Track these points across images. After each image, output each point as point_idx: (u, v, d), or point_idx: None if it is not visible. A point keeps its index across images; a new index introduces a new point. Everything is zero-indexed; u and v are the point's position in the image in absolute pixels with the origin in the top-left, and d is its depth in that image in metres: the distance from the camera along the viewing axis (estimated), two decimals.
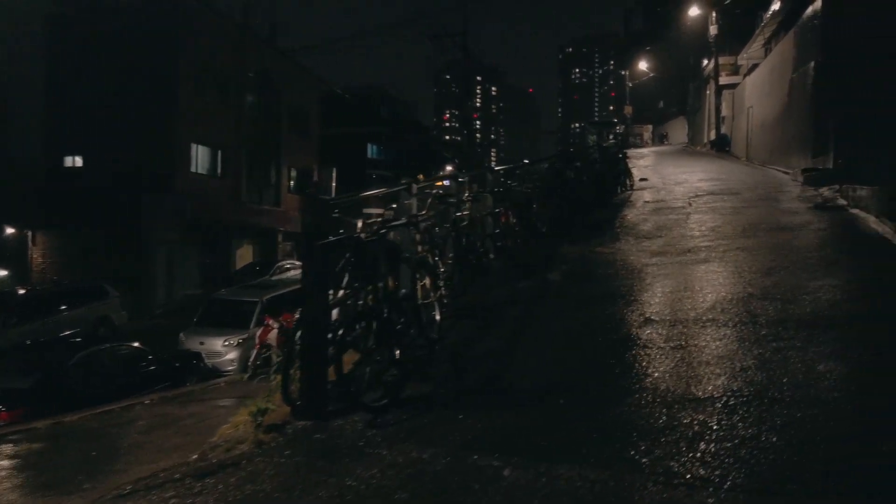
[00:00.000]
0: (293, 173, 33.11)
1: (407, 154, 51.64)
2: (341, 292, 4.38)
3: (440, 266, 6.46)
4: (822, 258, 6.98)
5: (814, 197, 12.44)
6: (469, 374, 4.46)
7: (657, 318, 5.21)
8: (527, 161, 12.22)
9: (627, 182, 16.48)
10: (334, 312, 4.38)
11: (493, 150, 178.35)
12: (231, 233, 27.65)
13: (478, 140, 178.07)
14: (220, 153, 27.49)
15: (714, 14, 26.16)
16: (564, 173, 13.11)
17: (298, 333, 3.88)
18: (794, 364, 3.81)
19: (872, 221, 9.10)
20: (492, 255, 9.07)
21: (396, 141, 50.86)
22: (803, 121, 16.19)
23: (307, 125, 34.49)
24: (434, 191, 6.35)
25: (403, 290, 5.21)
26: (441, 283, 6.30)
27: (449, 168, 44.59)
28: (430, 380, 4.40)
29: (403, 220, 4.60)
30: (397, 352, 4.23)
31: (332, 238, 3.98)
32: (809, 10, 16.24)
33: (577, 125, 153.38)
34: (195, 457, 3.73)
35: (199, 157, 26.54)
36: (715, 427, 3.11)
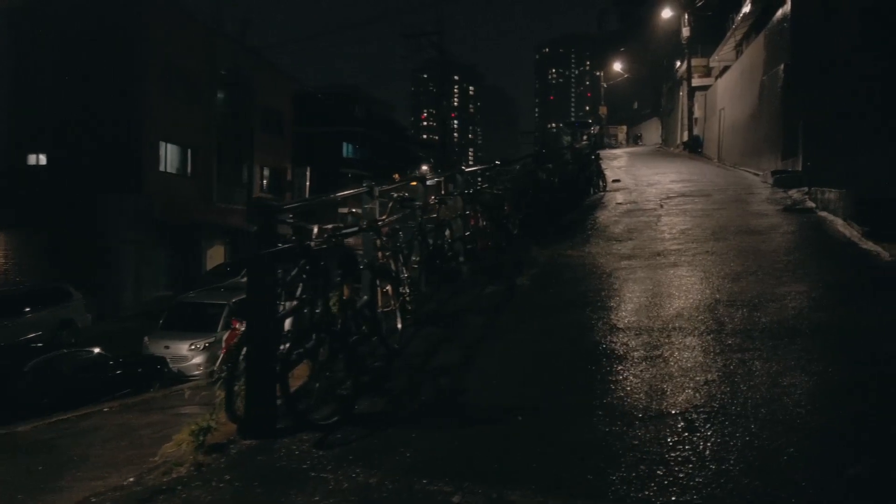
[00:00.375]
0: (266, 172, 32.65)
1: (382, 153, 51.34)
2: (295, 302, 4.17)
3: (404, 272, 6.28)
4: (790, 263, 6.94)
5: (783, 199, 12.51)
6: (427, 387, 4.29)
7: (623, 326, 5.09)
8: (498, 162, 12.08)
9: (600, 183, 16.47)
10: (287, 323, 4.18)
11: (471, 149, 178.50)
12: (202, 233, 27.13)
13: (455, 140, 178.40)
14: (190, 152, 26.97)
15: (686, 16, 26.36)
16: (536, 175, 13.03)
17: (244, 349, 3.67)
18: (758, 377, 3.70)
19: (840, 225, 9.12)
20: (461, 259, 8.93)
21: (372, 140, 50.52)
22: (773, 123, 16.33)
23: (280, 124, 34.05)
24: (397, 194, 6.15)
25: (365, 298, 5.02)
26: (405, 290, 6.12)
27: (425, 168, 44.38)
28: (388, 394, 4.21)
29: (356, 227, 4.39)
30: (353, 365, 4.03)
31: (280, 246, 3.76)
32: (779, 12, 16.39)
33: (553, 125, 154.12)
34: (131, 479, 3.49)
35: (169, 155, 25.99)
36: (676, 447, 2.97)
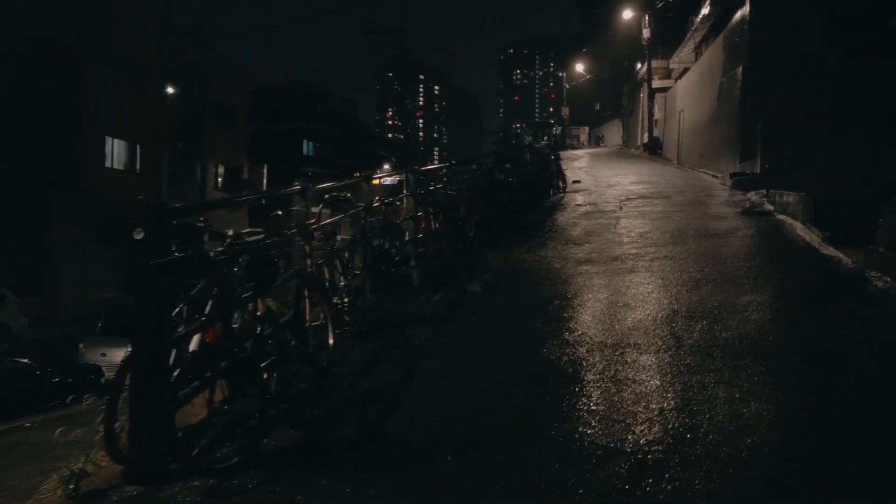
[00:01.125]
0: (221, 170, 31.56)
1: (344, 152, 50.46)
2: (203, 319, 3.62)
3: (342, 280, 5.77)
4: (750, 269, 6.65)
5: (742, 201, 12.38)
6: (354, 415, 3.79)
7: (575, 341, 4.67)
8: (454, 161, 11.64)
9: (560, 184, 16.19)
10: (194, 341, 3.63)
11: (437, 148, 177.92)
12: None
13: (421, 139, 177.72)
14: (139, 148, 25.84)
15: (647, 17, 26.36)
16: (494, 175, 12.64)
17: (127, 379, 3.11)
18: (719, 405, 3.31)
19: (799, 229, 8.94)
20: (413, 263, 8.49)
21: (333, 138, 49.63)
22: (731, 125, 16.28)
23: (236, 120, 32.97)
24: (329, 195, 5.63)
25: (290, 312, 4.49)
26: (342, 301, 5.61)
27: (387, 167, 43.74)
28: (307, 424, 3.70)
29: (262, 232, 3.85)
30: (264, 393, 3.51)
31: (177, 255, 3.22)
32: (738, 14, 16.34)
33: (518, 125, 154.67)
34: None
35: (116, 151, 24.87)
36: (625, 499, 2.54)
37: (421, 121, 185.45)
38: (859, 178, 11.00)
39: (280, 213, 4.72)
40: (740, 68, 15.66)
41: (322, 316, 4.69)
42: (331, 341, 4.77)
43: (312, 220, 4.79)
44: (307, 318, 4.58)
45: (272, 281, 3.86)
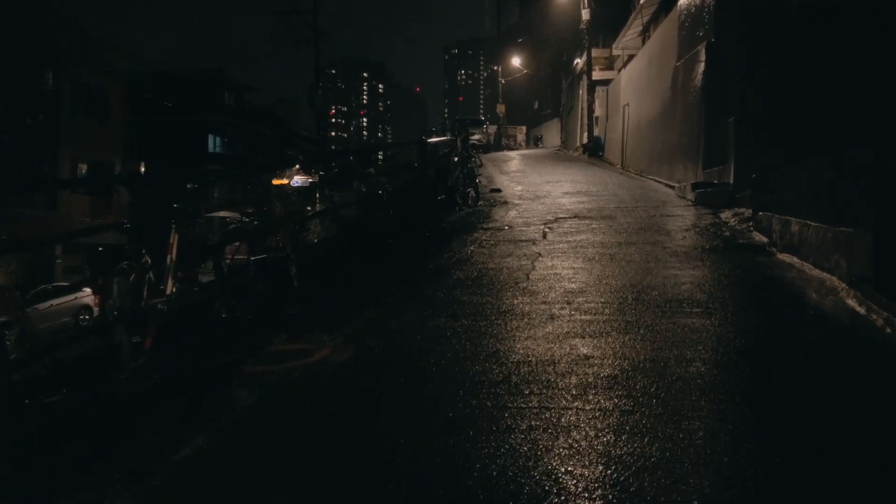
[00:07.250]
0: (82, 167, 25.94)
1: (261, 149, 45.14)
2: None
3: None
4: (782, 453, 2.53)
5: (715, 227, 8.51)
6: None
7: None
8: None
9: (469, 194, 12.02)
10: None
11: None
12: None
13: (365, 138, 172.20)
14: None
15: None
16: (351, 185, 8.34)
17: None
18: None
19: (845, 295, 4.88)
20: (123, 373, 4.30)
21: (248, 134, 44.27)
22: (691, 121, 12.49)
23: (107, 108, 27.39)
24: None
25: None
26: None
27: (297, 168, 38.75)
28: None
29: None
30: None
31: None
32: None
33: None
34: None
35: None
36: None
37: (365, 119, 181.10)
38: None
39: None
40: (703, 46, 11.92)
41: None
42: None
43: None
44: None
45: None
